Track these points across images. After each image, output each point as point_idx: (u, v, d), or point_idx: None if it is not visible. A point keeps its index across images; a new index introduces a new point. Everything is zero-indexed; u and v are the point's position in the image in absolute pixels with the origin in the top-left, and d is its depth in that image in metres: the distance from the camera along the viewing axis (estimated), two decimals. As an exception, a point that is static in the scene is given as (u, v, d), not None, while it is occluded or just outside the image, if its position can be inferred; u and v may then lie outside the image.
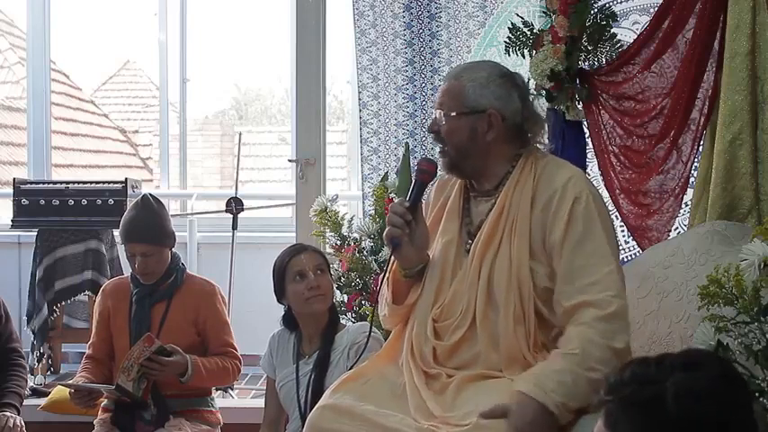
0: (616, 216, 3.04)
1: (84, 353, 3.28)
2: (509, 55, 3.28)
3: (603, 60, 3.13)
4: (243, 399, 4.25)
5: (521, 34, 3.23)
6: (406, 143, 3.74)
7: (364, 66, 3.88)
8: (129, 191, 4.31)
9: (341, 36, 4.76)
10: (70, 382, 3.15)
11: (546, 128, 2.48)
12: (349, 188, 6.19)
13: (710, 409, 1.28)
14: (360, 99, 3.90)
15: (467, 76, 2.34)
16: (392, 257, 2.39)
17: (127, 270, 3.47)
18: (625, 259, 3.19)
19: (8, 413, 3.08)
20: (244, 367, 3.22)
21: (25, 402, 3.27)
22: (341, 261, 3.48)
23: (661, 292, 2.61)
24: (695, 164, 2.97)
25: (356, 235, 3.54)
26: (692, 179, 2.99)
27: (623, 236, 3.23)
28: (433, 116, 2.39)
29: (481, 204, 2.38)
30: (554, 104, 3.12)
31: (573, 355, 2.10)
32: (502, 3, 3.75)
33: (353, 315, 3.41)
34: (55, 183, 4.58)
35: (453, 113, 2.32)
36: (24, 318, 4.38)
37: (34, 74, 5.27)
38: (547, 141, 2.46)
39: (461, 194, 2.43)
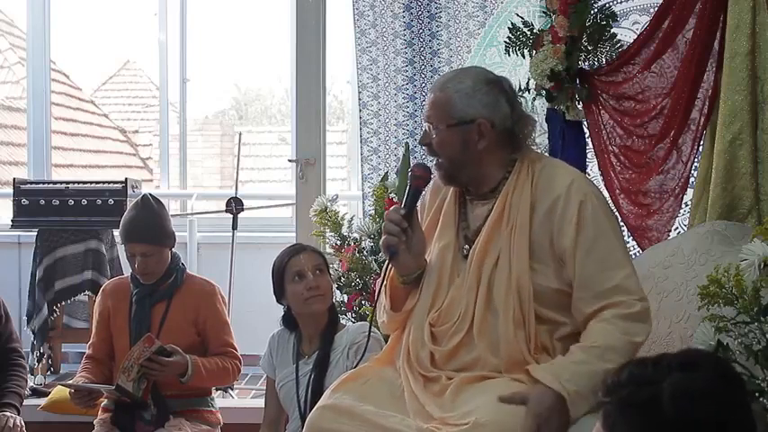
0: (616, 216, 3.03)
1: (84, 353, 3.28)
2: (509, 55, 3.28)
3: (603, 60, 3.13)
4: (243, 399, 4.25)
5: (521, 34, 3.23)
6: (406, 143, 3.74)
7: (364, 66, 3.87)
8: (129, 191, 4.31)
9: (341, 36, 4.76)
10: (70, 382, 3.15)
11: (536, 125, 2.47)
12: (349, 188, 6.18)
13: (708, 410, 1.27)
14: (360, 99, 3.90)
15: (452, 87, 2.30)
16: (389, 265, 2.38)
17: (127, 270, 3.47)
18: (625, 259, 3.19)
19: (8, 413, 3.08)
20: (244, 367, 3.22)
21: (25, 402, 3.27)
22: (341, 261, 3.48)
23: (661, 292, 2.61)
24: (695, 164, 2.97)
25: (356, 235, 3.54)
26: (692, 179, 2.99)
27: (623, 236, 3.22)
28: (423, 129, 2.37)
29: (478, 208, 2.37)
30: (554, 104, 3.12)
31: (593, 348, 2.14)
32: (502, 3, 3.74)
33: (353, 315, 3.41)
34: (55, 183, 4.58)
35: (442, 126, 2.30)
36: (24, 318, 4.38)
37: (34, 74, 5.27)
38: (542, 141, 2.45)
39: (457, 198, 2.42)
